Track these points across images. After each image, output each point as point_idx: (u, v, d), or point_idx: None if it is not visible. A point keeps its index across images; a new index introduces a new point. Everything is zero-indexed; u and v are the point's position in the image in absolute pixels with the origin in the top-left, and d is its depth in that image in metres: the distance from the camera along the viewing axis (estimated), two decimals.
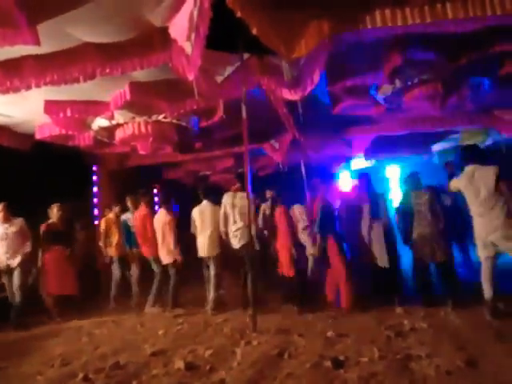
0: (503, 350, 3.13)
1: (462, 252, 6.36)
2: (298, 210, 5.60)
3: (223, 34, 3.99)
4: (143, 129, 5.75)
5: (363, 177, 5.58)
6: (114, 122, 5.85)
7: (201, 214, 5.62)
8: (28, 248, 5.46)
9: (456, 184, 4.41)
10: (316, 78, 4.22)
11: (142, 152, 6.71)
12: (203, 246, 5.54)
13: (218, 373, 3.10)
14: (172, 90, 5.00)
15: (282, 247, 5.23)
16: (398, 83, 5.46)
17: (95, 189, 8.37)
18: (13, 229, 5.46)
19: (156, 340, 4.19)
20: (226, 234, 5.43)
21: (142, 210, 5.92)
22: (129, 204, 6.32)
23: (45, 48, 4.05)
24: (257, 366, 3.17)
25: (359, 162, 10.03)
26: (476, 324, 3.88)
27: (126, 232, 6.19)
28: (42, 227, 5.77)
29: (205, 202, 5.68)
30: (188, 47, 3.82)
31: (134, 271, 6.16)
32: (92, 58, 4.20)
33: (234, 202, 5.44)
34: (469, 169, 4.25)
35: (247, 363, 3.24)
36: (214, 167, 9.00)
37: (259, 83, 4.83)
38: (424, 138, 8.55)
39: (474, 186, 4.14)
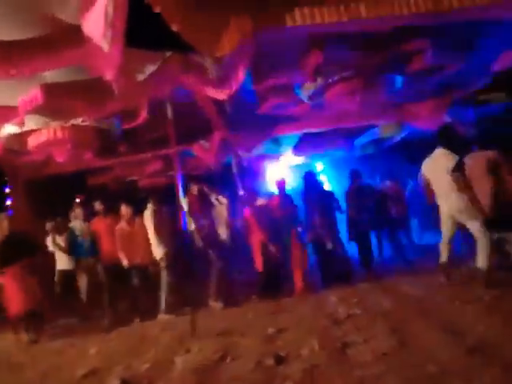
0: (428, 324, 3.37)
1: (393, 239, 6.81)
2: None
3: (143, 30, 3.82)
4: (59, 134, 5.33)
5: (309, 175, 5.92)
6: (24, 129, 5.35)
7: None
8: None
9: (422, 167, 4.53)
10: (241, 76, 4.22)
11: (59, 160, 6.22)
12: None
13: None
14: (90, 91, 4.68)
15: (254, 242, 5.41)
16: (319, 81, 5.66)
17: (9, 202, 7.62)
18: None
19: (87, 360, 3.89)
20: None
21: (101, 217, 5.65)
22: (78, 211, 5.84)
23: None
24: (198, 373, 3.06)
25: (289, 159, 10.25)
26: (403, 303, 4.15)
27: (74, 241, 5.73)
28: None
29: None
30: (105, 44, 3.60)
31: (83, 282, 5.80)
32: None
33: None
34: (434, 152, 4.41)
35: (188, 371, 3.11)
36: (142, 171, 8.64)
37: (183, 82, 4.71)
38: (347, 133, 8.99)
39: (435, 170, 4.29)
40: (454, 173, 4.04)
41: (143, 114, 5.46)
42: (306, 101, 6.21)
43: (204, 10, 3.66)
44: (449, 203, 4.21)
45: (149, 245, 5.20)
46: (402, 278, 5.22)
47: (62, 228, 5.89)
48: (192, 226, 5.26)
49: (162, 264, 5.12)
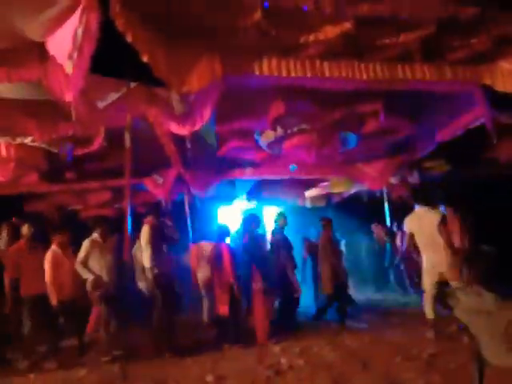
0: (369, 377, 3.35)
1: None
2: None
3: (109, 56, 3.77)
4: (4, 152, 4.99)
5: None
6: None
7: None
8: None
9: (407, 223, 4.82)
10: (206, 114, 4.24)
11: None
12: None
13: None
14: (44, 111, 4.46)
15: (222, 284, 5.06)
16: (279, 131, 5.85)
17: None
18: None
19: None
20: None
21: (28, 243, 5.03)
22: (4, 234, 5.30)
23: None
24: None
25: (241, 203, 10.27)
26: (346, 356, 4.12)
27: None
28: None
29: None
30: (69, 66, 3.49)
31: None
32: None
33: None
34: (417, 210, 4.70)
35: None
36: (87, 201, 8.20)
37: (145, 114, 4.66)
38: (300, 184, 9.24)
39: (421, 225, 4.57)
40: (440, 226, 4.38)
41: (98, 142, 5.25)
42: (264, 148, 6.35)
43: (176, 45, 3.70)
44: (435, 258, 4.45)
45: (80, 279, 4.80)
46: (345, 330, 5.23)
47: None
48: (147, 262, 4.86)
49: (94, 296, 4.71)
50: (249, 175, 7.85)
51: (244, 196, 9.55)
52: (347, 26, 3.74)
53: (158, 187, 7.41)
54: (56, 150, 5.35)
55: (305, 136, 5.97)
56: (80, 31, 3.24)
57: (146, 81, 4.39)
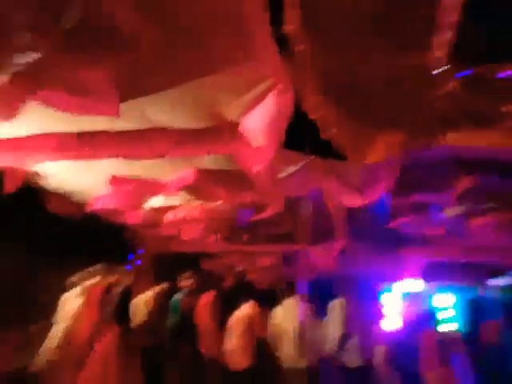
0: None
1: None
2: None
3: (292, 131, 4.04)
4: (196, 214, 5.72)
5: None
6: (168, 204, 5.87)
7: None
8: None
9: None
10: (382, 188, 4.11)
11: (185, 237, 6.60)
12: None
13: None
14: (233, 180, 5.01)
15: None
16: (463, 207, 5.23)
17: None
18: None
19: None
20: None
21: (209, 294, 5.39)
22: (184, 283, 5.75)
23: (119, 124, 4.19)
24: None
25: (406, 285, 9.34)
26: None
27: (175, 316, 5.50)
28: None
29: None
30: (260, 143, 3.87)
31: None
32: (163, 139, 4.34)
33: None
34: None
35: None
36: (254, 263, 8.67)
37: (320, 185, 4.77)
38: (481, 269, 7.94)
39: None
40: None
41: (276, 209, 5.58)
42: (443, 225, 5.73)
43: (357, 119, 3.75)
44: None
45: None
46: None
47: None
48: None
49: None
50: (420, 254, 7.14)
51: (411, 277, 8.67)
52: None
53: (322, 257, 7.35)
54: (237, 215, 5.90)
55: (496, 214, 5.19)
56: (273, 111, 3.58)
57: (323, 154, 4.56)
